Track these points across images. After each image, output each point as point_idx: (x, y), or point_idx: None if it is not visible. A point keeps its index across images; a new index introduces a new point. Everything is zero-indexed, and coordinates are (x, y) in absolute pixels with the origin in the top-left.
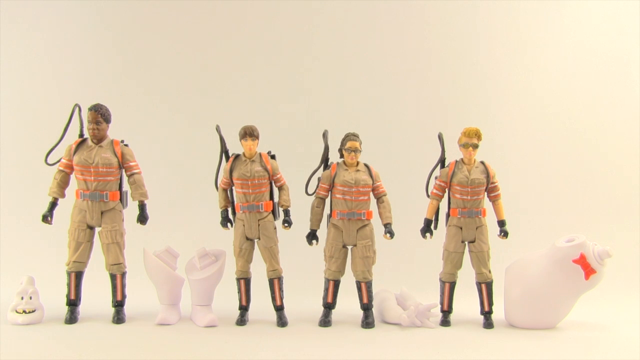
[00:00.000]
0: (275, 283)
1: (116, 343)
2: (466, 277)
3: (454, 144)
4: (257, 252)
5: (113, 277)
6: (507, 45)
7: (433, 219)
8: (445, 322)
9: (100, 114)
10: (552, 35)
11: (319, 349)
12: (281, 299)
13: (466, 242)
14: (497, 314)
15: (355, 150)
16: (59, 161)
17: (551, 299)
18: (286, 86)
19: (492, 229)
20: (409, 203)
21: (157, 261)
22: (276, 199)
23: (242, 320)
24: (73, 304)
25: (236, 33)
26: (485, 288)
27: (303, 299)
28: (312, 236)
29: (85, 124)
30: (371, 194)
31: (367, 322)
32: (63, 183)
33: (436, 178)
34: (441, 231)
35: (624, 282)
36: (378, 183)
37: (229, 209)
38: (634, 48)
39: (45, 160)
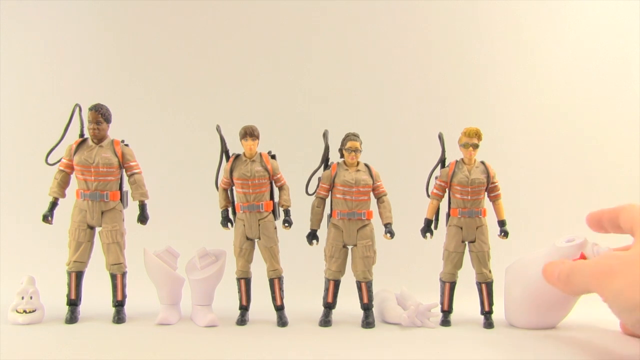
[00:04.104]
0: (275, 283)
1: (116, 343)
2: (466, 277)
3: (454, 144)
4: (257, 252)
5: (113, 277)
6: (507, 45)
7: (433, 219)
8: (445, 322)
9: (100, 114)
10: (553, 35)
11: (319, 349)
12: (281, 298)
13: (466, 242)
14: (497, 314)
15: (356, 150)
16: (59, 161)
17: (551, 299)
18: (286, 86)
19: (493, 229)
20: (409, 203)
21: (158, 261)
22: (276, 199)
23: (242, 320)
24: (73, 303)
25: (237, 33)
26: (486, 288)
27: (303, 299)
28: (312, 236)
29: (86, 124)
30: (371, 194)
31: (367, 322)
32: (63, 183)
33: (436, 178)
34: (441, 231)
35: None
36: (378, 183)
37: (229, 209)
38: (635, 47)
39: (46, 160)
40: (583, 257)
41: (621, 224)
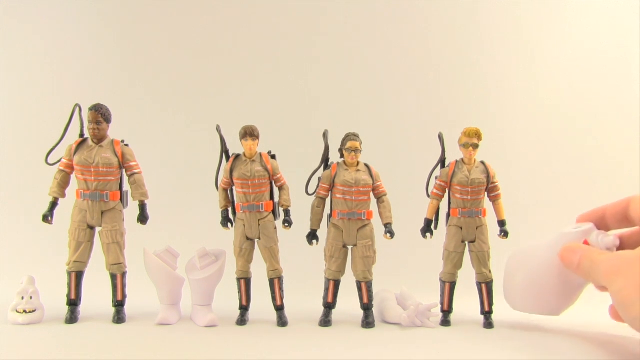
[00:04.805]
0: (275, 283)
1: (116, 343)
2: (466, 277)
3: (454, 144)
4: (257, 252)
5: (113, 276)
6: (508, 45)
7: (433, 219)
8: (445, 322)
9: (100, 114)
10: (553, 35)
11: (319, 349)
12: (281, 298)
13: (466, 242)
14: (497, 314)
15: (356, 150)
16: (59, 161)
17: (556, 286)
18: (286, 86)
19: (493, 229)
20: (409, 203)
21: (158, 261)
22: (276, 199)
23: (242, 320)
24: (73, 303)
25: (237, 33)
26: (486, 288)
27: (303, 299)
28: (312, 236)
29: (86, 124)
30: (371, 194)
31: (367, 322)
32: (63, 183)
33: (436, 178)
34: (441, 231)
35: None
36: (378, 183)
37: (229, 209)
38: (635, 47)
39: (46, 160)
40: (586, 244)
41: (632, 214)
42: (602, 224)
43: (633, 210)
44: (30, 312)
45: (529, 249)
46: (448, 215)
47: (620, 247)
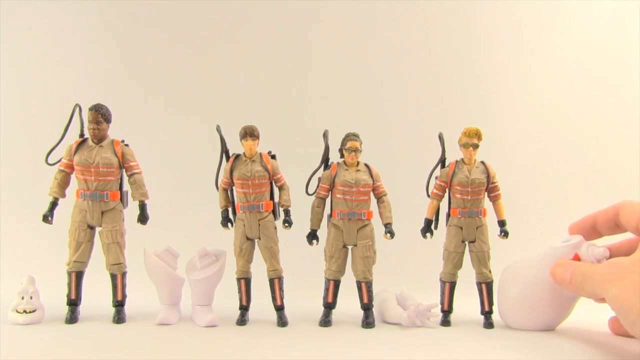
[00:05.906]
0: (275, 283)
1: (116, 343)
2: (466, 277)
3: (454, 144)
4: (257, 252)
5: (113, 276)
6: (507, 45)
7: (433, 219)
8: (445, 322)
9: (100, 114)
10: (553, 35)
11: (319, 349)
12: (281, 298)
13: (466, 242)
14: (497, 314)
15: (356, 150)
16: (59, 161)
17: (548, 301)
18: (286, 86)
19: (493, 229)
20: (409, 203)
21: (158, 261)
22: (276, 199)
23: (242, 320)
24: (73, 303)
25: (237, 33)
26: (486, 288)
27: (303, 299)
28: (312, 236)
29: (86, 124)
30: (371, 194)
31: (368, 322)
32: (63, 183)
33: (436, 178)
34: (441, 231)
35: None
36: (378, 183)
37: (230, 209)
38: (635, 47)
39: (46, 160)
40: (577, 257)
41: (622, 222)
42: (594, 232)
43: (622, 216)
44: (30, 312)
45: (519, 265)
46: (448, 215)
47: (610, 258)
